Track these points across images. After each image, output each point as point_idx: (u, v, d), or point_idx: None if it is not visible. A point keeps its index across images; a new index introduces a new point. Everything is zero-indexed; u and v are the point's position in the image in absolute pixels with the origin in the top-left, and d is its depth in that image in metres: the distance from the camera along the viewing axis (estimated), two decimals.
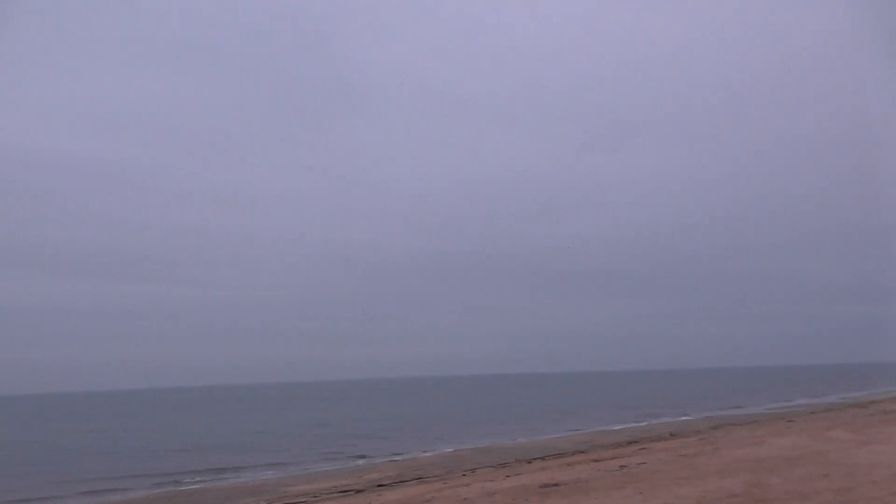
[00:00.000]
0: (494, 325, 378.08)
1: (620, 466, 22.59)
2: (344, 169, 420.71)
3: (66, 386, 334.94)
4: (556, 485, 19.50)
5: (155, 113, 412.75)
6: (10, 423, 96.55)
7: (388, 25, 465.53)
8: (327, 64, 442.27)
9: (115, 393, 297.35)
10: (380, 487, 26.26)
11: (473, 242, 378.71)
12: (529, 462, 30.43)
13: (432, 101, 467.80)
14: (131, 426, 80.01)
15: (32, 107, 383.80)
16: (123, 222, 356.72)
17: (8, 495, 31.50)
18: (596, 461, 26.18)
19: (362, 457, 40.86)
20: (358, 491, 25.91)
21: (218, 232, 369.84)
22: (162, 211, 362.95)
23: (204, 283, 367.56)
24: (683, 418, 59.09)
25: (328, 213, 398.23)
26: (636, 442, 36.28)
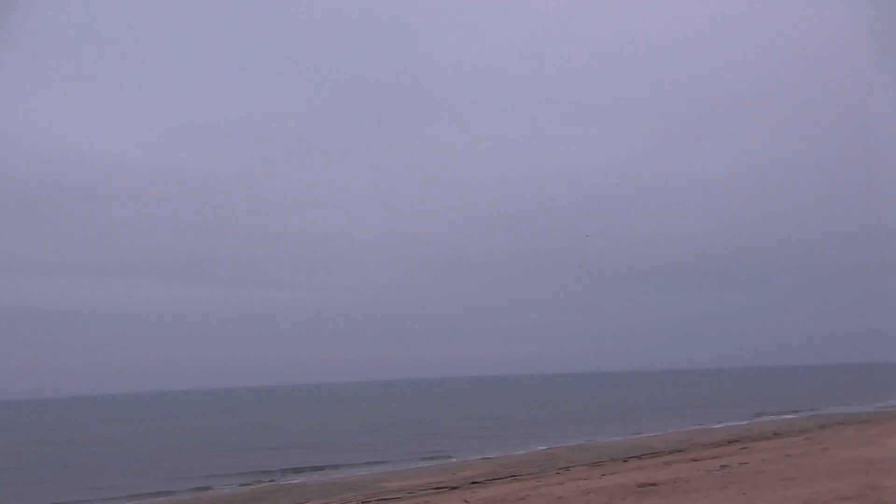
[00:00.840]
0: (578, 322, 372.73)
1: (721, 466, 21.89)
2: (424, 169, 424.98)
3: (159, 386, 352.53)
4: (653, 484, 19.08)
5: (240, 123, 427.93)
6: (117, 422, 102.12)
7: (466, 25, 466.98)
8: (407, 67, 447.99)
9: (209, 391, 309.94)
10: (473, 485, 26.37)
11: (556, 239, 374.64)
12: (625, 461, 29.89)
13: (513, 98, 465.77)
14: (228, 424, 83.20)
15: (136, 125, 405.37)
16: (214, 229, 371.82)
17: (124, 490, 33.42)
18: (695, 460, 25.46)
19: (451, 455, 41.13)
20: (452, 488, 26.10)
21: (301, 235, 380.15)
22: (247, 217, 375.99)
23: (288, 285, 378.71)
24: (786, 417, 56.68)
25: (409, 214, 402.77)
26: (737, 441, 35.06)
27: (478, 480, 27.84)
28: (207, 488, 32.97)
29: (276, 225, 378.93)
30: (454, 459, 39.02)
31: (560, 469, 29.09)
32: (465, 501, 21.67)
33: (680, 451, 32.64)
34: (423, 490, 26.54)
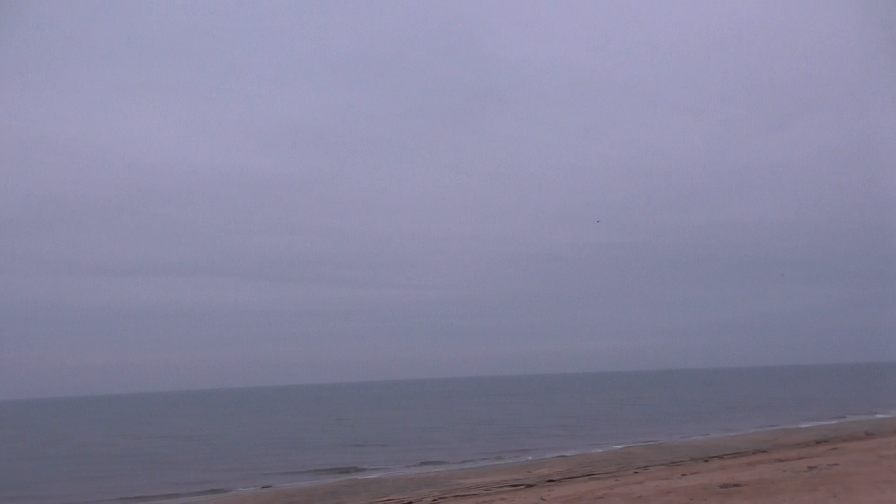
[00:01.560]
0: (659, 318, 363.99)
1: (809, 467, 21.07)
2: (497, 166, 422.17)
3: (240, 382, 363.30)
4: (736, 485, 18.52)
5: (317, 126, 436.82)
6: (200, 417, 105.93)
7: (536, 20, 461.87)
8: (477, 64, 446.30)
9: (287, 388, 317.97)
10: (550, 483, 26.20)
11: (634, 233, 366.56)
12: (706, 461, 29.13)
13: (587, 91, 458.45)
14: (307, 420, 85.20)
15: (218, 132, 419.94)
16: (292, 229, 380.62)
17: (208, 484, 34.70)
18: (780, 461, 24.59)
19: (527, 453, 40.96)
20: (528, 486, 25.99)
21: (377, 234, 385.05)
22: (324, 217, 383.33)
23: (367, 283, 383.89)
24: (879, 416, 54.04)
25: (485, 211, 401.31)
26: (826, 441, 33.66)
27: (554, 478, 27.64)
28: (288, 483, 33.88)
29: (351, 224, 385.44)
30: (530, 457, 38.87)
31: (638, 468, 28.58)
32: (542, 499, 21.55)
33: (764, 451, 31.57)
34: (498, 487, 26.54)
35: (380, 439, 53.88)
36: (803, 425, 49.12)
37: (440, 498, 24.82)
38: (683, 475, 23.04)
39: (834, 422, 51.15)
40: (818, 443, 33.20)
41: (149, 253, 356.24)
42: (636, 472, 26.73)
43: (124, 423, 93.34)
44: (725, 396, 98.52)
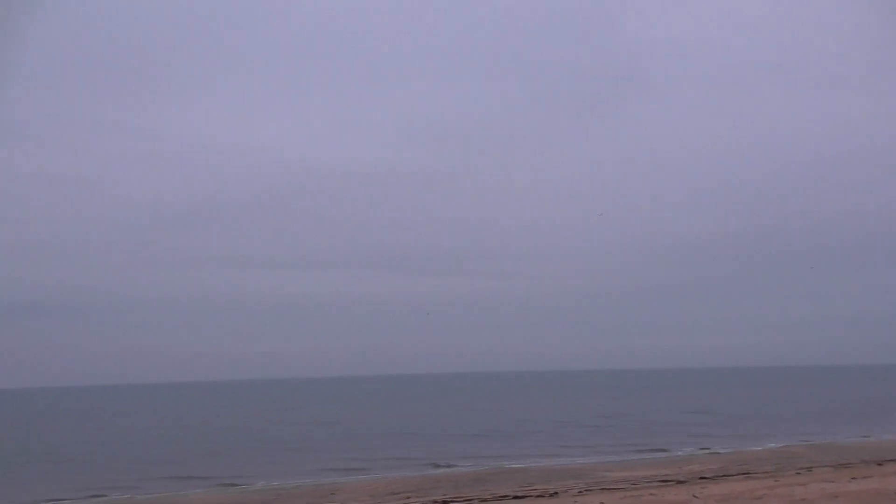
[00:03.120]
0: (802, 310, 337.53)
1: None
2: (632, 152, 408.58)
3: (374, 370, 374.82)
4: None
5: (451, 120, 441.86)
6: (336, 402, 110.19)
7: (670, 1, 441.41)
8: (612, 49, 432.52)
9: (417, 377, 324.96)
10: (702, 480, 25.17)
11: (769, 219, 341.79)
12: (879, 464, 26.88)
13: (723, 70, 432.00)
14: (436, 409, 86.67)
15: (356, 129, 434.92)
16: (428, 222, 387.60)
17: (344, 470, 36.11)
18: None
19: (669, 448, 39.57)
20: (679, 482, 25.12)
21: (512, 225, 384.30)
22: (459, 209, 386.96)
23: (500, 274, 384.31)
24: None
25: (617, 199, 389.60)
26: None
27: (707, 476, 26.54)
28: (432, 467, 34.64)
29: (485, 217, 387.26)
30: (679, 453, 37.52)
31: (801, 469, 26.86)
32: (694, 497, 20.74)
33: None
34: (647, 482, 25.82)
35: (515, 430, 53.82)
36: None
37: (586, 490, 24.49)
38: (853, 479, 21.42)
39: None
40: None
41: (291, 247, 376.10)
42: (798, 473, 25.14)
43: (271, 409, 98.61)
44: (880, 395, 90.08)
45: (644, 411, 71.95)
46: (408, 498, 25.03)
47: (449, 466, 34.76)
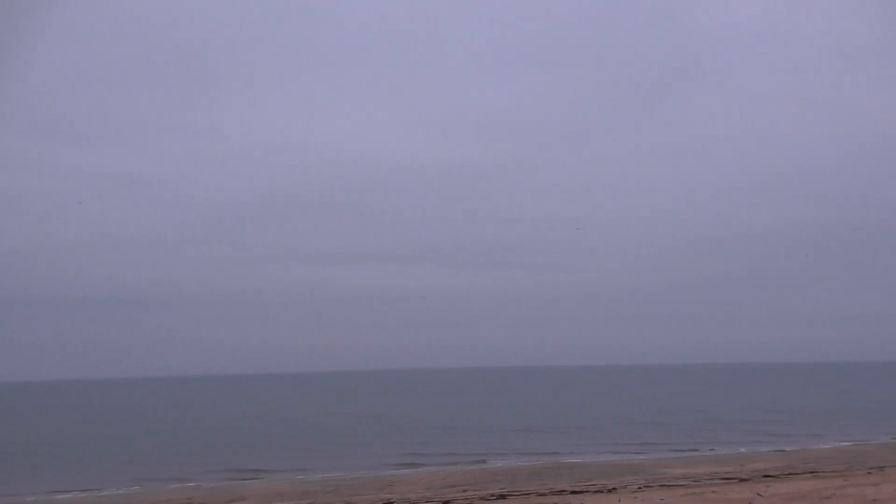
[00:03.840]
0: (874, 304, 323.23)
1: None
2: (698, 142, 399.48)
3: (435, 363, 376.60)
4: None
5: (512, 114, 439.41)
6: (384, 394, 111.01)
7: None
8: (676, 37, 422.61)
9: (476, 370, 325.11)
10: (767, 478, 24.50)
11: (843, 209, 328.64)
12: None
13: (794, 58, 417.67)
14: (498, 402, 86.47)
15: (418, 125, 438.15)
16: (488, 217, 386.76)
17: (398, 463, 36.38)
18: None
19: (732, 445, 38.64)
20: (742, 480, 24.52)
21: (576, 218, 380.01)
22: (519, 204, 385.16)
23: (564, 268, 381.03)
24: None
25: (681, 190, 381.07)
26: None
27: (771, 474, 25.82)
28: (488, 461, 34.63)
29: (548, 210, 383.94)
30: (742, 450, 36.61)
31: (872, 468, 25.88)
32: (759, 495, 20.21)
33: None
34: (708, 479, 25.29)
35: (571, 425, 53.30)
36: None
37: (645, 486, 24.12)
38: None
39: None
40: None
41: (351, 242, 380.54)
42: (869, 473, 24.24)
43: (324, 401, 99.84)
44: None
45: (705, 407, 70.42)
46: (465, 491, 25.11)
47: (505, 460, 34.70)
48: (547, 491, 23.58)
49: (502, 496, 22.76)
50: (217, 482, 30.68)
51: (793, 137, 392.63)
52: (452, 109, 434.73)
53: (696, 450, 37.48)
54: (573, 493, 22.79)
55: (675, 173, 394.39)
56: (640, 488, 23.55)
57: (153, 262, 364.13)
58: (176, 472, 33.40)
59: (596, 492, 22.87)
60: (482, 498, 22.56)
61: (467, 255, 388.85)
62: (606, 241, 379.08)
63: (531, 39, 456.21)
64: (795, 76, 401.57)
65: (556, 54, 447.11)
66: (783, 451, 35.35)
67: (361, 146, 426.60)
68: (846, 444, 37.51)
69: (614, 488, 23.63)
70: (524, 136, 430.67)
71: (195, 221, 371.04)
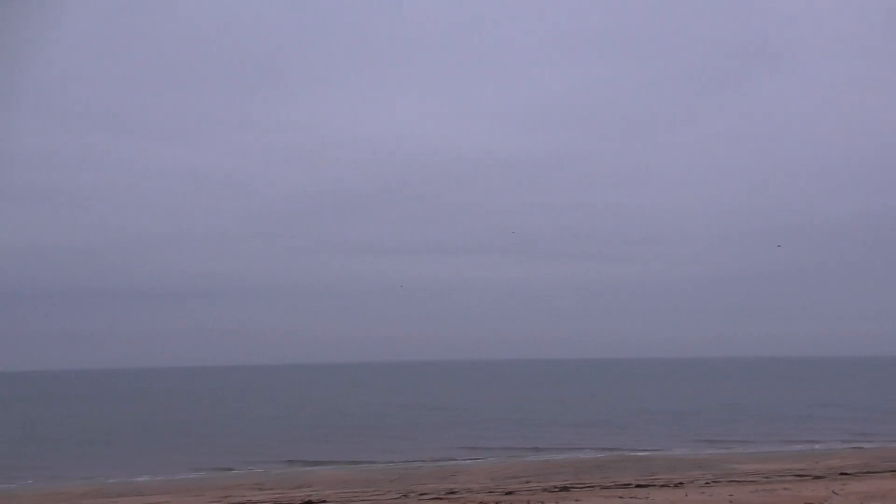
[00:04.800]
0: None
1: None
2: (769, 129, 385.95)
3: (496, 354, 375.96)
4: None
5: (577, 104, 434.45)
6: (450, 386, 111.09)
7: None
8: (745, 21, 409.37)
9: (549, 362, 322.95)
10: (843, 476, 23.59)
11: None
12: None
13: (868, 41, 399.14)
14: (562, 395, 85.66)
15: (483, 117, 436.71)
16: (555, 207, 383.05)
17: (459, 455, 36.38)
18: None
19: (799, 441, 37.40)
20: (816, 477, 23.68)
21: (638, 209, 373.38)
22: (585, 194, 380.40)
23: (628, 258, 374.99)
24: None
25: (754, 179, 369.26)
26: None
27: (848, 472, 24.86)
28: (550, 453, 34.37)
29: (612, 200, 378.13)
30: (818, 446, 35.41)
31: None
32: (834, 493, 19.50)
33: None
34: (780, 476, 24.53)
35: (636, 419, 52.43)
36: None
37: (713, 482, 23.55)
38: None
39: None
40: None
41: (418, 234, 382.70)
42: None
43: (388, 391, 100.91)
44: None
45: (774, 402, 68.35)
46: (527, 482, 24.99)
47: (566, 453, 34.39)
48: (611, 484, 23.26)
49: (565, 488, 22.55)
50: (282, 469, 31.43)
51: (866, 124, 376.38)
52: (514, 100, 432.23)
53: (770, 444, 36.50)
54: (638, 486, 22.42)
55: (742, 161, 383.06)
56: (707, 483, 23.01)
57: (220, 255, 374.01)
58: (238, 461, 34.22)
59: (662, 486, 22.44)
60: (545, 489, 22.40)
61: (534, 246, 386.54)
62: (670, 232, 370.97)
63: (592, 27, 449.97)
64: (866, 60, 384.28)
65: (617, 41, 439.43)
66: (861, 448, 34.05)
67: (424, 138, 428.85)
68: None
69: (681, 483, 23.15)
70: (587, 125, 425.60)
71: (262, 215, 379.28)
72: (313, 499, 21.92)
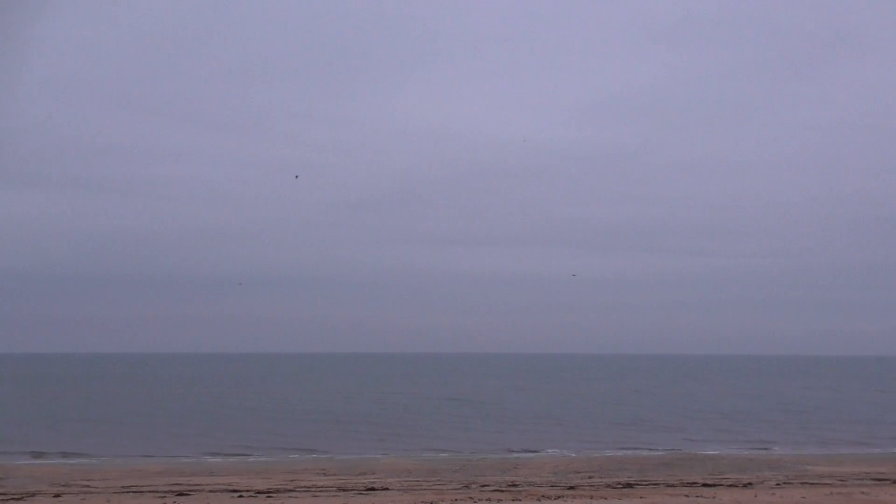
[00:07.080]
0: None
1: None
2: (851, 118, 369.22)
3: (568, 348, 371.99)
4: None
5: (642, 94, 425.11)
6: (513, 378, 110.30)
7: None
8: (822, 6, 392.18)
9: (609, 357, 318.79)
10: None
11: None
12: None
13: None
14: (611, 389, 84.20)
15: (546, 108, 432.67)
16: (619, 199, 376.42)
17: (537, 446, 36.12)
18: None
19: (875, 444, 35.72)
20: (895, 481, 22.67)
21: (713, 201, 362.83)
22: (654, 185, 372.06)
23: (698, 251, 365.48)
24: None
25: (835, 169, 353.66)
26: None
27: None
28: (612, 449, 33.87)
29: (681, 192, 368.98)
30: (878, 450, 33.88)
31: None
32: None
33: None
34: (857, 479, 23.58)
35: (698, 417, 50.92)
36: None
37: (784, 483, 22.83)
38: None
39: None
40: None
41: (485, 226, 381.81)
42: None
43: (446, 382, 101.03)
44: None
45: (855, 401, 65.63)
46: (590, 477, 24.71)
47: (631, 450, 33.81)
48: (677, 482, 22.79)
49: (629, 485, 22.21)
50: (346, 454, 32.01)
51: None
52: (585, 91, 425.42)
53: (846, 446, 35.16)
54: (705, 485, 21.89)
55: (826, 151, 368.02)
56: (778, 484, 22.31)
57: (294, 245, 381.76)
58: (301, 444, 35.20)
59: (730, 486, 21.86)
60: (608, 485, 22.11)
61: (601, 239, 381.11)
62: (742, 225, 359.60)
63: (666, 16, 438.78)
64: None
65: (683, 32, 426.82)
66: None
67: (493, 130, 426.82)
68: None
69: (750, 483, 22.51)
70: (655, 116, 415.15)
71: (335, 206, 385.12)
72: (376, 486, 22.21)
